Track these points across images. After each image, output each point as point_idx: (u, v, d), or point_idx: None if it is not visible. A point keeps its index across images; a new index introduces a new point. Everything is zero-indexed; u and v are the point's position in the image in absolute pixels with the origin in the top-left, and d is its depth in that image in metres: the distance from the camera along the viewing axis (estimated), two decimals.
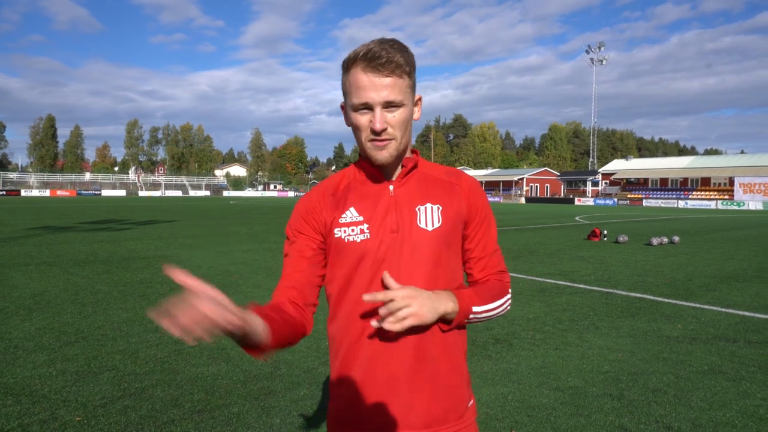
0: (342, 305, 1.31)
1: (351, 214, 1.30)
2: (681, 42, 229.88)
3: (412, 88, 1.28)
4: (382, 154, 1.25)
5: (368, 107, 1.23)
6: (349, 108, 1.27)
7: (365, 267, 1.28)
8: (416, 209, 1.30)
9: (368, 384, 1.27)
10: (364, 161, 1.34)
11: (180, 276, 0.95)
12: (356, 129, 1.27)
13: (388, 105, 1.22)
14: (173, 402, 3.60)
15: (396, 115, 1.24)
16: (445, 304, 1.22)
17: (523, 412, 3.50)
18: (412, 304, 1.16)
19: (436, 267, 1.29)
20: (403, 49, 1.23)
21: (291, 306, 1.30)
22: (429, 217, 1.30)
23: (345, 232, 1.29)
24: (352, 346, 1.29)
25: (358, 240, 1.28)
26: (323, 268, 1.36)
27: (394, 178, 1.33)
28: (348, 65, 1.24)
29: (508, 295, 1.38)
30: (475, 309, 1.28)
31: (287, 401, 3.64)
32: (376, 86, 1.20)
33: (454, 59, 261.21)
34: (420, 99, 1.33)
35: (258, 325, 1.10)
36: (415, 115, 1.32)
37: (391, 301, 1.15)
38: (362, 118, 1.24)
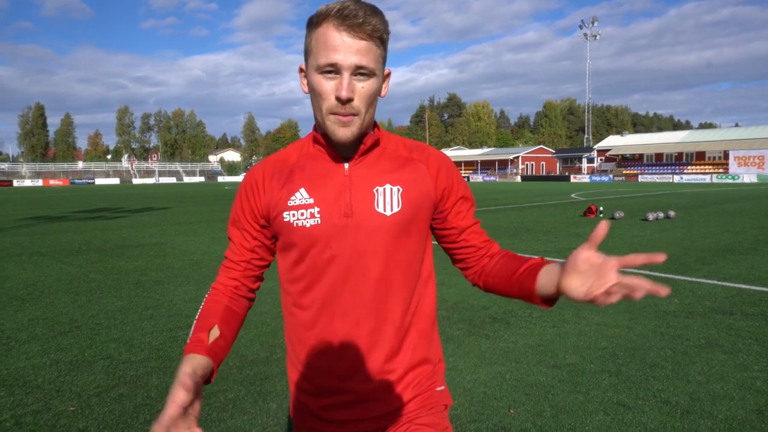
0: (291, 293, 1.24)
1: (301, 196, 1.18)
2: (679, 15, 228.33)
3: (384, 59, 1.15)
4: (343, 132, 1.11)
5: (335, 70, 1.08)
6: (311, 69, 1.11)
7: (316, 254, 1.17)
8: (374, 191, 1.17)
9: (317, 369, 1.22)
10: (319, 134, 1.20)
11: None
12: (317, 95, 1.11)
13: (358, 72, 1.08)
14: (169, 389, 3.56)
15: (365, 86, 1.10)
16: None
17: (521, 391, 3.49)
18: None
19: (394, 255, 1.18)
20: (380, 14, 1.10)
21: (234, 301, 1.25)
22: (388, 200, 1.17)
23: (294, 216, 1.17)
24: (300, 331, 1.24)
25: (308, 225, 1.16)
26: (268, 252, 1.28)
27: (351, 156, 1.19)
28: (317, 21, 1.09)
29: None
30: None
31: (283, 386, 3.62)
32: (349, 47, 1.06)
33: (450, 38, 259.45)
34: (389, 74, 1.20)
35: (206, 370, 1.11)
36: (383, 92, 1.19)
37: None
38: (326, 83, 1.09)
